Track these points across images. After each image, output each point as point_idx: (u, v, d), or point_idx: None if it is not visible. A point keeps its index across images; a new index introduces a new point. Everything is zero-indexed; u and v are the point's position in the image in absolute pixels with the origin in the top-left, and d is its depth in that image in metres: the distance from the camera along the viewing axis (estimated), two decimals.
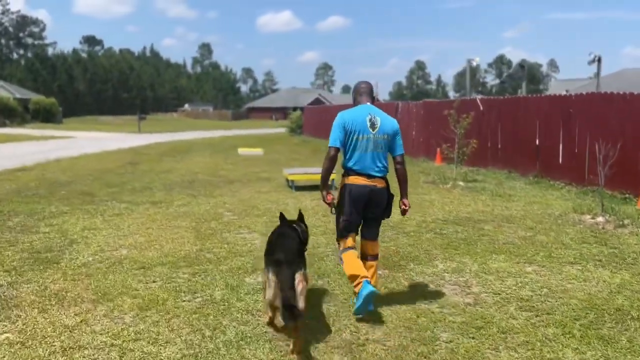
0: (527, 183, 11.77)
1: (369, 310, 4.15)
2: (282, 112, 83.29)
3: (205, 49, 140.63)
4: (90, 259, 5.83)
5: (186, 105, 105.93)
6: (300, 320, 3.51)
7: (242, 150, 20.53)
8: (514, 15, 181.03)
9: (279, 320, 3.80)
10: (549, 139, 11.94)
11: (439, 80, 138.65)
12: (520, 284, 4.93)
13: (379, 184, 4.28)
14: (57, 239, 6.70)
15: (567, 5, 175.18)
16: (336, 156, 4.28)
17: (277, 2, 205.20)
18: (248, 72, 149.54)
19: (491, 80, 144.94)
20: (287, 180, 11.46)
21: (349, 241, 4.34)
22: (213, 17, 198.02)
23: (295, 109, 73.95)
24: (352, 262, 4.22)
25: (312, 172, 11.14)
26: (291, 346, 3.63)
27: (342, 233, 4.36)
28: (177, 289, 4.85)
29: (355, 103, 4.48)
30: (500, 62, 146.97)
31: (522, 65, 19.03)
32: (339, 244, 4.45)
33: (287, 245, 3.90)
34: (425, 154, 17.57)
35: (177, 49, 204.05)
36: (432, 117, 17.37)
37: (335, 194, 4.46)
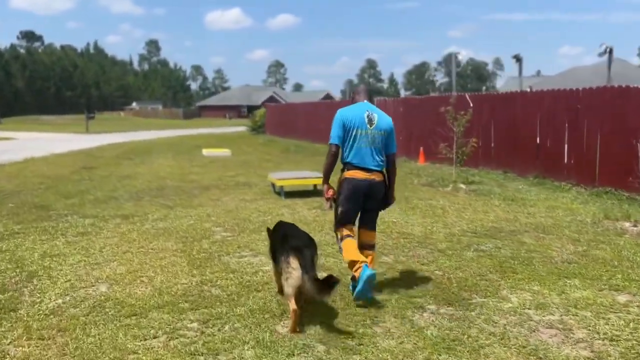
0: (530, 184, 10.97)
1: (369, 298, 4.24)
2: (236, 110, 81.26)
3: (153, 45, 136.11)
4: (60, 301, 4.44)
5: (134, 104, 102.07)
6: (337, 285, 3.70)
7: (207, 151, 19.03)
8: (458, 15, 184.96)
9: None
10: (552, 137, 11.18)
11: (391, 79, 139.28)
12: (631, 324, 3.91)
13: (377, 178, 4.43)
14: (11, 271, 5.25)
15: (507, 6, 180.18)
16: (337, 153, 4.45)
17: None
18: (198, 69, 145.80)
19: (441, 78, 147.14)
20: (274, 186, 10.21)
21: (347, 230, 4.48)
22: (160, 14, 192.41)
23: (252, 107, 72.04)
24: (351, 249, 4.37)
25: (304, 177, 9.93)
26: (290, 326, 3.78)
27: (340, 223, 4.50)
28: (191, 349, 3.56)
29: (354, 102, 4.69)
30: (450, 60, 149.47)
31: (517, 58, 18.08)
32: (336, 234, 4.61)
33: (298, 232, 4.28)
34: (406, 153, 16.62)
35: (123, 46, 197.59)
36: (412, 114, 16.47)
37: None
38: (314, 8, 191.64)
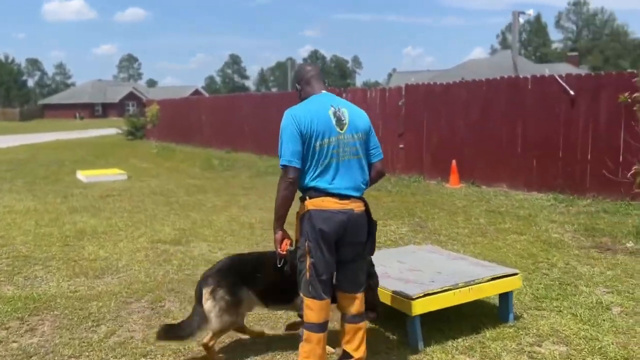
0: None
1: None
2: (88, 109, 70.21)
3: None
4: None
5: None
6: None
7: (86, 176, 11.67)
8: (310, 15, 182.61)
9: None
10: None
11: (262, 75, 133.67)
12: None
13: (357, 208, 2.96)
14: None
15: (353, 7, 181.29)
16: (297, 180, 2.91)
17: None
18: (34, 63, 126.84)
19: None
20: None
21: (319, 309, 2.93)
22: None
23: (108, 104, 61.19)
24: (313, 354, 2.94)
25: (463, 282, 3.78)
26: None
27: (310, 289, 2.92)
28: None
29: (303, 95, 3.09)
30: (315, 57, 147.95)
31: None
32: (301, 309, 3.01)
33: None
34: (417, 169, 11.09)
35: None
36: (427, 108, 10.93)
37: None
38: (164, 3, 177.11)
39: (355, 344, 3.05)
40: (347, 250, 2.97)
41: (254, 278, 3.31)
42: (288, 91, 25.22)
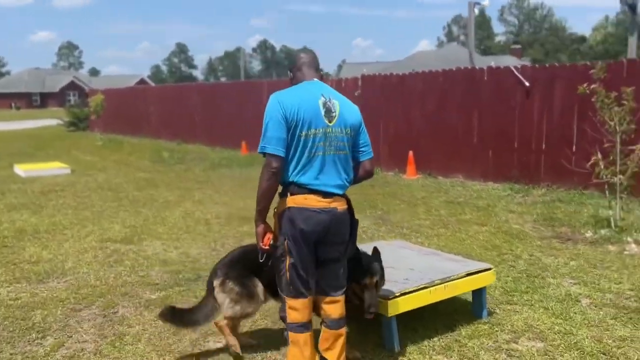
0: None
1: None
2: (25, 99, 66.97)
3: None
4: None
5: None
6: None
7: (24, 170, 10.95)
8: (259, 4, 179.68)
9: None
10: None
11: (211, 64, 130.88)
12: None
13: (340, 206, 2.79)
14: None
15: None
16: (280, 170, 2.71)
17: None
18: None
19: (257, 65, 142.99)
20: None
21: (303, 307, 2.77)
22: None
23: (47, 94, 58.56)
24: (301, 357, 2.77)
25: (439, 279, 3.66)
26: None
27: (291, 289, 2.76)
28: None
29: (294, 82, 2.90)
30: (265, 46, 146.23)
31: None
32: (282, 319, 2.95)
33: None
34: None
35: None
36: (384, 99, 10.85)
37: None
38: None
39: (337, 352, 2.86)
40: (329, 250, 2.81)
41: (263, 269, 3.13)
42: (240, 80, 24.73)
